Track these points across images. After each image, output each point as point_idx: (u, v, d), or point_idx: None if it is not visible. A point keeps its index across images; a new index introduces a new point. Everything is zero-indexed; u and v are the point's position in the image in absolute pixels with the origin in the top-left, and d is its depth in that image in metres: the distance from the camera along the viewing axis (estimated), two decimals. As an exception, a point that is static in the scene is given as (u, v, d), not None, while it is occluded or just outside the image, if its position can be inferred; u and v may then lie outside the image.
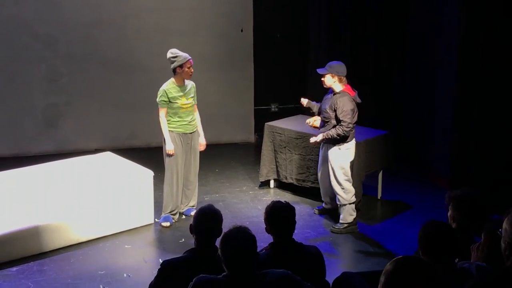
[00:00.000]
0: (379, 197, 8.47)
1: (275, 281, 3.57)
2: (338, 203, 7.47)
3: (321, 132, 7.30)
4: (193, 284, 3.56)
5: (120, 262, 6.82)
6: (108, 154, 8.16)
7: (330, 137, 7.16)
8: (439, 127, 9.02)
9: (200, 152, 7.71)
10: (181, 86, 7.36)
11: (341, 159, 7.29)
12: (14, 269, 6.51)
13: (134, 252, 7.02)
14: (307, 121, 8.38)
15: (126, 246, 7.09)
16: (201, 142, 7.70)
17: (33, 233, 6.77)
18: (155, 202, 7.69)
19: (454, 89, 8.29)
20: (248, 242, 3.55)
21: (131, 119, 10.29)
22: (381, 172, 8.41)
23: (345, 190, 7.36)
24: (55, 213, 7.00)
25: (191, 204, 7.81)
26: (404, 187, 8.84)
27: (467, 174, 8.04)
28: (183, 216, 7.78)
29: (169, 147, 7.36)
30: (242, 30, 10.57)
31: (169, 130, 7.38)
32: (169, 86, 7.32)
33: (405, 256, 2.83)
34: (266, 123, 8.75)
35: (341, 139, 7.18)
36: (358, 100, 7.20)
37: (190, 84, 7.46)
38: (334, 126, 7.16)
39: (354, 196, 7.42)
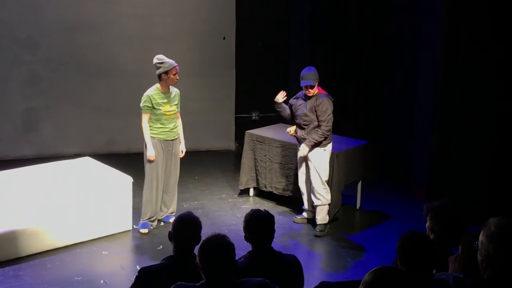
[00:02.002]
0: (358, 207, 8.50)
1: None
2: (316, 204, 7.58)
3: (301, 137, 7.43)
4: None
5: (97, 268, 6.77)
6: (87, 160, 8.11)
7: (313, 142, 7.31)
8: (418, 138, 9.08)
9: (180, 158, 7.68)
10: (166, 93, 7.34)
11: (325, 159, 7.46)
12: (-10, 274, 6.45)
13: (111, 258, 6.98)
14: (288, 130, 8.41)
15: (103, 252, 7.04)
16: (181, 149, 7.67)
17: (9, 238, 6.71)
18: (133, 209, 7.65)
19: (434, 100, 8.35)
20: (226, 250, 3.54)
21: (111, 124, 10.24)
22: (360, 182, 8.44)
23: (327, 190, 7.53)
24: (32, 218, 6.93)
25: (170, 211, 7.78)
26: (383, 197, 8.88)
27: (446, 185, 8.09)
28: (162, 223, 7.74)
29: (150, 153, 7.33)
30: (224, 38, 10.58)
31: (151, 136, 7.35)
32: (154, 92, 7.30)
33: (383, 266, 2.84)
34: (246, 131, 8.75)
35: (325, 139, 7.36)
36: (332, 99, 7.47)
37: (174, 91, 7.44)
38: (314, 128, 7.31)
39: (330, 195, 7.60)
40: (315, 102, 7.33)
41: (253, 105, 11.23)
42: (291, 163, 8.20)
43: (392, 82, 9.80)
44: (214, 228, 7.56)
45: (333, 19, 10.04)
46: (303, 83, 7.33)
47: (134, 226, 7.61)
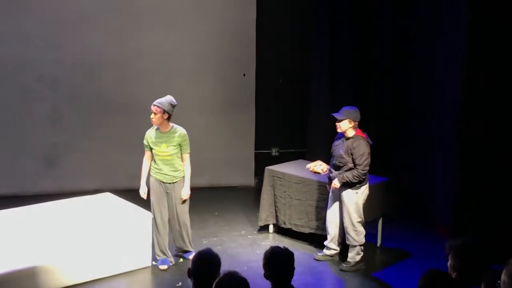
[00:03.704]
0: (378, 245, 8.41)
1: None
2: (348, 242, 7.60)
3: (336, 176, 7.41)
4: None
5: (115, 304, 6.75)
6: (107, 195, 8.13)
7: (346, 180, 7.31)
8: (440, 175, 9.00)
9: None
10: (163, 132, 7.24)
11: (356, 201, 7.46)
12: (9, 309, 6.44)
13: (130, 294, 6.95)
14: (308, 166, 8.43)
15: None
16: (182, 193, 7.38)
17: (29, 274, 6.71)
18: (152, 245, 7.63)
19: (456, 137, 8.31)
20: (240, 286, 3.52)
21: (131, 160, 10.22)
22: (381, 219, 8.37)
23: (357, 232, 7.51)
24: (51, 254, 6.94)
25: (185, 249, 7.71)
26: (404, 235, 8.79)
27: (468, 223, 8.00)
28: (181, 259, 7.71)
29: (140, 190, 7.40)
30: (244, 75, 10.63)
31: (150, 174, 7.38)
32: (152, 130, 7.31)
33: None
34: (266, 167, 8.74)
35: (357, 182, 7.34)
36: (370, 142, 7.46)
37: (177, 132, 7.27)
38: (349, 169, 7.31)
39: (364, 237, 7.59)
40: (352, 144, 7.33)
41: (273, 141, 11.24)
42: (310, 200, 8.17)
43: (414, 119, 9.76)
44: (233, 265, 7.51)
45: (354, 56, 10.07)
46: (333, 113, 7.37)
47: (153, 263, 7.59)
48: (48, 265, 6.82)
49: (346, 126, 7.34)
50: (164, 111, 7.13)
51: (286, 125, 11.08)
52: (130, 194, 8.60)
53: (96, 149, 10.18)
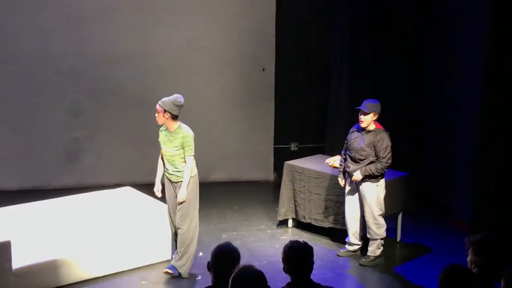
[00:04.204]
0: (398, 240, 8.39)
1: None
2: (368, 236, 7.60)
3: (355, 170, 7.39)
4: None
5: (136, 298, 6.80)
6: (128, 189, 8.18)
7: (369, 173, 7.30)
8: (460, 170, 8.96)
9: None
10: (170, 132, 7.06)
11: (378, 194, 7.45)
12: (31, 302, 6.51)
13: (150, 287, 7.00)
14: (327, 161, 8.42)
15: (142, 282, 7.07)
16: (178, 195, 7.07)
17: (50, 267, 6.78)
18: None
19: (476, 132, 8.26)
20: (257, 281, 3.52)
21: (151, 154, 10.24)
22: (400, 214, 8.34)
23: (379, 225, 7.52)
24: (72, 247, 7.01)
25: (174, 263, 7.22)
26: (423, 230, 8.76)
27: (488, 218, 7.96)
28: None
29: (155, 188, 7.28)
30: (264, 69, 10.63)
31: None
32: (163, 128, 7.15)
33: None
34: (285, 162, 8.75)
35: (380, 175, 7.37)
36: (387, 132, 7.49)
37: (180, 133, 7.01)
38: (371, 162, 7.30)
39: (385, 231, 7.58)
40: (375, 137, 7.33)
41: (292, 136, 11.23)
42: (330, 194, 8.17)
43: (433, 113, 9.72)
44: (252, 259, 7.55)
45: (373, 52, 10.05)
46: (358, 107, 7.36)
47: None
48: (68, 259, 6.89)
49: (370, 120, 7.35)
50: (165, 111, 6.91)
51: (305, 119, 11.06)
52: (150, 188, 8.62)
53: (116, 143, 10.24)
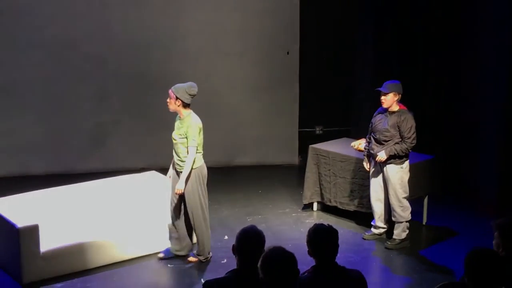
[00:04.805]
0: (424, 223, 8.36)
1: None
2: (394, 219, 7.58)
3: (380, 152, 7.36)
4: None
5: (162, 281, 6.86)
6: (153, 174, 8.23)
7: (394, 153, 7.26)
8: (486, 152, 8.88)
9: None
10: (179, 119, 6.95)
11: (402, 176, 7.42)
12: (59, 285, 6.60)
13: (176, 271, 7.05)
14: (352, 144, 8.39)
15: (169, 265, 7.12)
16: (176, 186, 6.90)
17: (77, 250, 6.86)
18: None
19: (503, 113, 8.18)
20: (289, 262, 3.54)
21: (177, 139, 10.36)
22: (426, 197, 8.30)
23: (404, 208, 7.48)
24: (100, 231, 7.08)
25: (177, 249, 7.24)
26: (449, 213, 8.71)
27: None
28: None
29: (167, 174, 7.21)
30: (288, 53, 10.59)
31: None
32: (178, 116, 7.02)
33: (450, 282, 2.77)
34: (310, 146, 8.73)
35: (404, 156, 7.33)
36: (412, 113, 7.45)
37: (187, 122, 6.86)
38: (396, 144, 7.31)
39: (410, 213, 7.54)
40: (399, 118, 7.29)
41: (317, 119, 11.20)
42: (355, 178, 8.15)
43: (460, 96, 9.63)
44: (277, 242, 7.43)
45: (399, 33, 9.96)
46: (378, 88, 7.33)
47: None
48: (96, 242, 6.96)
49: (391, 100, 7.30)
50: (177, 98, 6.78)
51: (330, 103, 11.02)
52: (176, 172, 8.70)
53: (142, 128, 10.29)
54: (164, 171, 8.42)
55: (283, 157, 10.81)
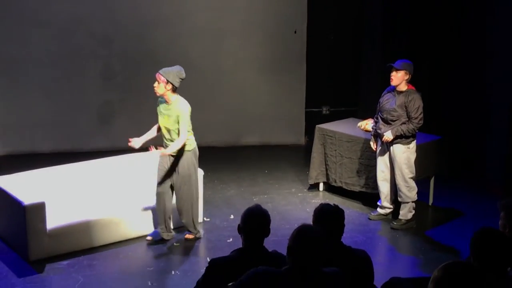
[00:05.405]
0: (430, 203, 8.35)
1: (331, 275, 3.55)
2: (400, 200, 7.57)
3: (386, 131, 7.34)
4: (250, 276, 3.54)
5: (168, 259, 6.88)
6: (160, 152, 8.19)
7: (401, 133, 7.24)
8: (494, 133, 8.85)
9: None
10: (167, 104, 6.82)
11: (408, 156, 7.40)
12: (65, 262, 6.63)
13: (182, 249, 7.07)
14: (359, 124, 8.36)
15: (174, 243, 7.14)
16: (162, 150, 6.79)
17: (84, 228, 6.88)
18: (204, 201, 7.73)
19: (510, 98, 8.13)
20: (321, 238, 3.54)
21: (183, 118, 10.34)
22: (433, 178, 8.28)
23: (410, 188, 7.48)
24: (105, 209, 7.10)
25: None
26: (456, 194, 8.70)
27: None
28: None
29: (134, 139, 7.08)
30: (295, 32, 10.54)
31: None
32: (161, 98, 6.88)
33: (454, 261, 2.74)
34: (317, 126, 8.71)
35: (411, 136, 7.31)
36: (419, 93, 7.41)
37: (177, 106, 6.76)
38: (403, 123, 7.27)
39: (416, 194, 7.54)
40: (407, 98, 7.25)
41: (324, 99, 11.17)
42: (361, 158, 8.13)
43: (467, 77, 9.56)
44: (283, 222, 7.58)
45: (407, 10, 9.88)
46: (391, 64, 7.29)
47: (205, 219, 7.69)
48: (102, 220, 6.98)
49: (401, 78, 7.27)
50: (168, 81, 6.67)
51: (337, 83, 10.98)
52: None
53: (149, 106, 10.23)
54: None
55: (289, 137, 10.80)
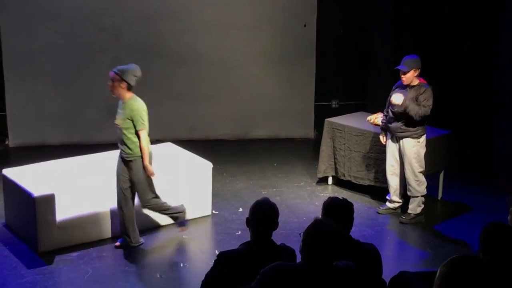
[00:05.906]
0: (439, 198, 8.34)
1: (345, 269, 3.56)
2: (409, 194, 7.57)
3: (394, 130, 7.39)
4: (266, 272, 3.52)
5: (177, 251, 6.90)
6: (169, 145, 8.24)
7: (410, 108, 7.16)
8: (504, 129, 8.81)
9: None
10: (123, 104, 6.62)
11: (419, 150, 7.40)
12: (74, 254, 6.66)
13: (191, 242, 7.09)
14: (368, 118, 8.36)
15: (184, 236, 7.15)
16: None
17: (93, 220, 6.91)
18: (213, 194, 7.74)
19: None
20: (339, 234, 3.51)
21: (192, 111, 10.36)
22: (442, 172, 8.27)
23: (419, 182, 7.47)
24: (115, 201, 7.11)
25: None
26: (465, 189, 8.67)
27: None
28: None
29: None
30: (305, 25, 10.51)
31: None
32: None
33: (461, 256, 2.73)
34: (326, 119, 8.70)
35: (420, 129, 7.28)
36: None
37: (130, 105, 6.57)
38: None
39: (425, 188, 7.53)
40: (418, 91, 7.24)
41: (333, 93, 11.14)
42: (370, 152, 8.12)
43: (477, 71, 9.53)
44: (292, 215, 7.59)
45: (417, 4, 9.84)
46: (397, 67, 7.26)
47: (214, 212, 7.70)
48: (111, 212, 6.99)
49: (411, 77, 7.26)
50: (122, 80, 6.46)
51: (347, 76, 10.95)
52: (190, 144, 8.73)
53: (157, 99, 10.24)
54: (179, 142, 8.48)
55: (298, 131, 10.79)
